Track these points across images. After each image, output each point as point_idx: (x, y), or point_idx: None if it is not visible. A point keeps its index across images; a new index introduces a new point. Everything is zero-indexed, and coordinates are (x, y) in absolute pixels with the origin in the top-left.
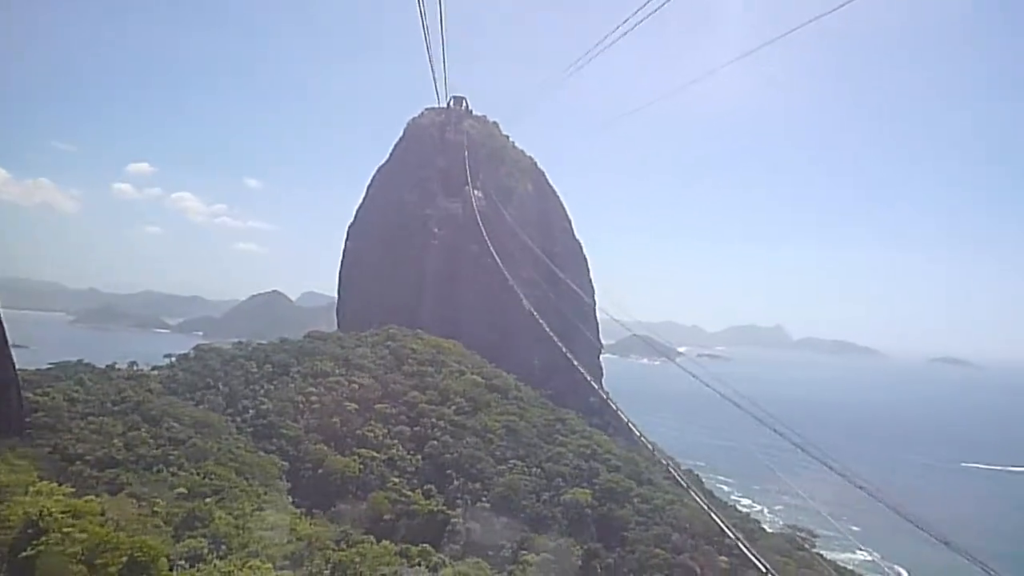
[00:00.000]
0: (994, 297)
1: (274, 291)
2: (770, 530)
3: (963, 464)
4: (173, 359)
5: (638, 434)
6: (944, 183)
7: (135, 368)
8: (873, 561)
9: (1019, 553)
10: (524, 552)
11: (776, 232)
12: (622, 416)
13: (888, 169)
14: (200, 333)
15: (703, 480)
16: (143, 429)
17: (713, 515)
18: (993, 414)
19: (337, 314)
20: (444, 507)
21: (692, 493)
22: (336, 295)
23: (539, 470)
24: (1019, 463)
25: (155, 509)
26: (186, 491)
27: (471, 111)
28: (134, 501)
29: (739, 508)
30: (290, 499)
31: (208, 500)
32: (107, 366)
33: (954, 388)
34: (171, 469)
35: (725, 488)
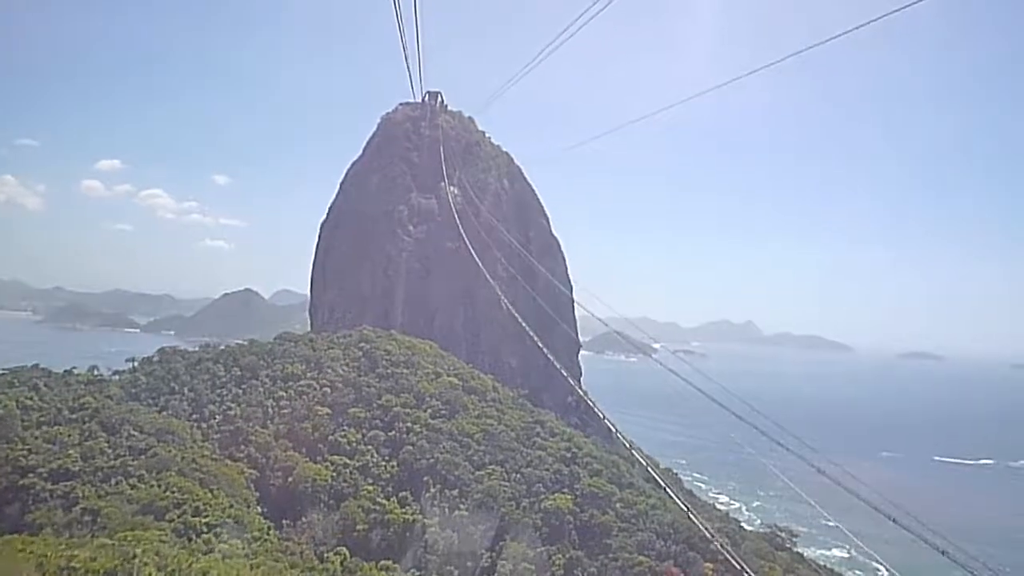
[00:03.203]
0: (960, 292)
1: (247, 289)
2: (750, 528)
3: (935, 458)
4: (135, 362)
5: (625, 442)
6: (913, 182)
7: (95, 373)
8: (851, 558)
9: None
10: (503, 561)
11: (748, 229)
12: (609, 424)
13: (859, 168)
14: (171, 332)
15: (682, 479)
16: (101, 438)
17: (700, 524)
18: (960, 407)
19: (310, 313)
20: (420, 515)
21: (678, 502)
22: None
23: (518, 475)
24: (988, 456)
25: (72, 564)
26: (111, 539)
27: (446, 106)
28: (43, 558)
29: (718, 507)
30: (259, 509)
31: (138, 553)
32: (65, 371)
33: (924, 382)
34: (130, 481)
35: (702, 486)
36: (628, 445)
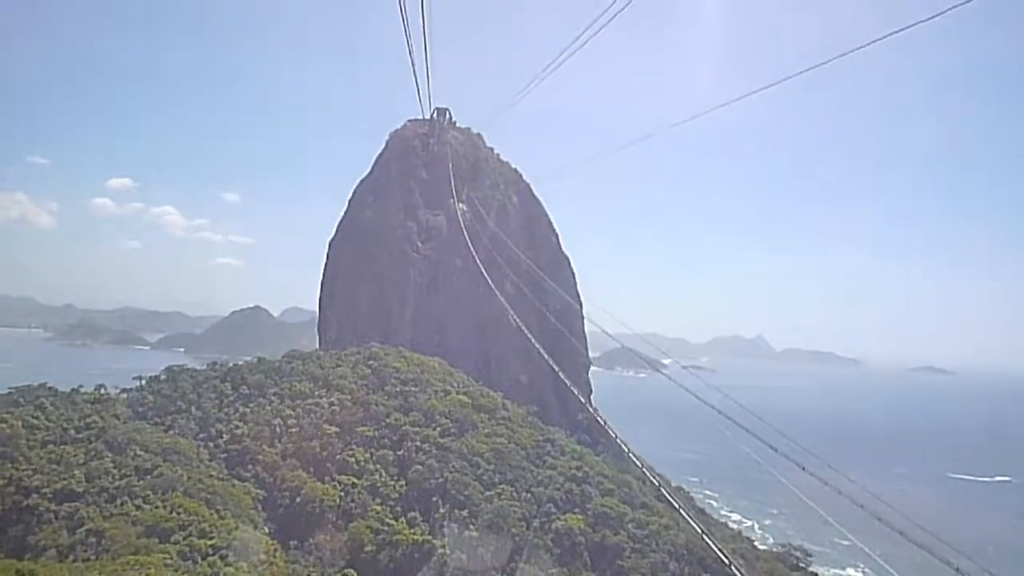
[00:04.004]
0: (971, 306)
1: (256, 306)
2: (763, 547)
3: (950, 475)
4: (143, 381)
5: (637, 462)
6: (925, 195)
7: (101, 391)
8: None
9: None
10: None
11: (758, 245)
12: (621, 444)
13: (870, 181)
14: (181, 349)
15: (694, 497)
16: (106, 458)
17: (715, 547)
18: (973, 423)
19: (319, 330)
20: (429, 536)
21: (694, 525)
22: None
23: (529, 495)
24: (1004, 473)
25: None
26: (114, 563)
27: (454, 123)
28: None
29: (730, 525)
30: (266, 530)
31: None
32: (71, 389)
33: (934, 397)
34: (135, 502)
35: (714, 503)
36: (641, 466)
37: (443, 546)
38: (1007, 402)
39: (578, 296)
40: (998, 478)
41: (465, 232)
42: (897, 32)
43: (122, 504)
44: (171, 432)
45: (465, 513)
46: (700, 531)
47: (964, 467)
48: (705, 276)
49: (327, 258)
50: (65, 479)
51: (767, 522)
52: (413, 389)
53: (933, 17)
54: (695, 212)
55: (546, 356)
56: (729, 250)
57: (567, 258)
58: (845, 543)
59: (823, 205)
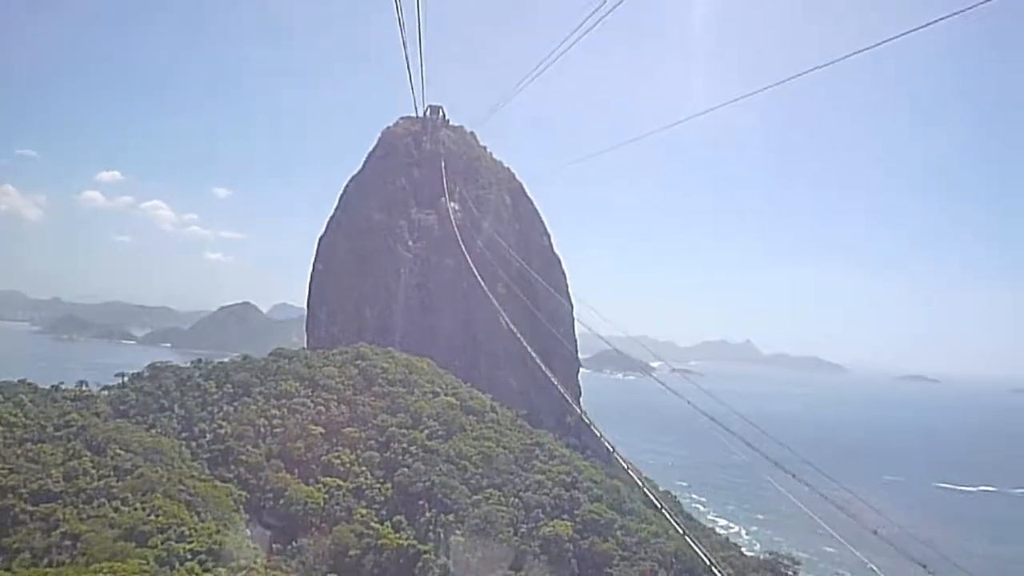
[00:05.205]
0: (959, 316)
1: (245, 302)
2: (750, 554)
3: (936, 484)
4: (125, 377)
5: (627, 468)
6: (914, 202)
7: (83, 388)
8: None
9: None
10: None
11: (746, 249)
12: (610, 448)
13: (859, 188)
14: (168, 344)
15: (681, 502)
16: (85, 458)
17: (706, 557)
18: (959, 432)
19: (307, 328)
20: (415, 541)
21: (688, 539)
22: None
23: (517, 500)
24: (989, 483)
25: None
26: (87, 569)
27: (447, 121)
28: None
29: (717, 530)
30: (248, 533)
31: None
32: (52, 386)
33: (920, 405)
34: (114, 504)
35: (701, 508)
36: (631, 472)
37: (428, 551)
38: (991, 412)
39: (569, 297)
40: (982, 488)
41: (457, 232)
42: (887, 41)
43: (100, 506)
44: (153, 431)
45: (451, 518)
46: (692, 542)
47: (949, 477)
48: (694, 279)
49: (317, 255)
50: (42, 479)
51: (754, 528)
52: (401, 390)
53: (922, 27)
54: (685, 215)
55: (536, 358)
56: (718, 254)
57: (558, 259)
58: (831, 550)
59: (813, 210)
